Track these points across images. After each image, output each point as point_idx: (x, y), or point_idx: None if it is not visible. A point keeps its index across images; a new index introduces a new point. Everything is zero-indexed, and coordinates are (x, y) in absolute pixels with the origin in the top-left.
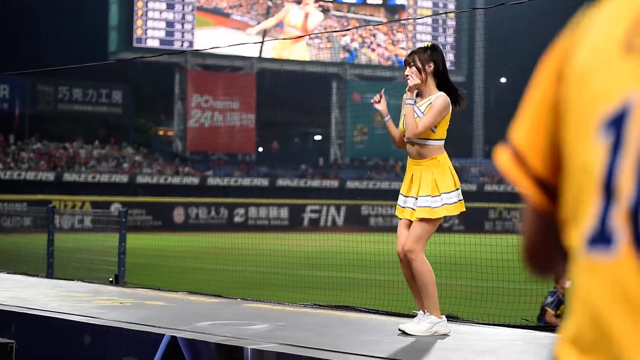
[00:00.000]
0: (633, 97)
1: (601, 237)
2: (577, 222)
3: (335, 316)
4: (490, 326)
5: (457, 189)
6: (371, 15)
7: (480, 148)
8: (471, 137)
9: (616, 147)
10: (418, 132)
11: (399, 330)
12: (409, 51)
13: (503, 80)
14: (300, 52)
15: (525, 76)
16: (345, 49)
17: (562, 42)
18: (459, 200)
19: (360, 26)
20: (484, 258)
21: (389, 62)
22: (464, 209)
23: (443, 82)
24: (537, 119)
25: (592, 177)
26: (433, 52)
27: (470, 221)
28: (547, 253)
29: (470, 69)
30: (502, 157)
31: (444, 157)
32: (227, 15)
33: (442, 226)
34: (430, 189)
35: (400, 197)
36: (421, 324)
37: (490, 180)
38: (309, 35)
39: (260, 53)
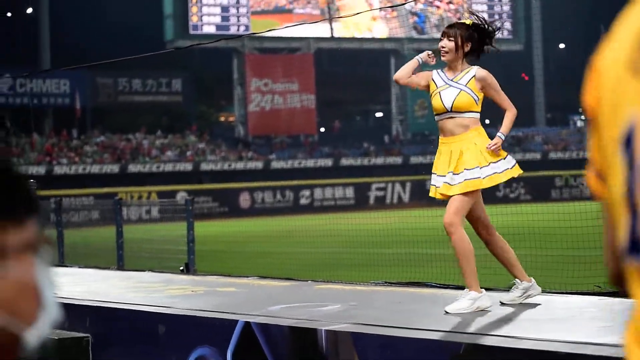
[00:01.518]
0: (636, 118)
1: (633, 247)
2: (617, 231)
3: (407, 293)
4: (563, 295)
5: (503, 158)
6: None
7: (542, 116)
8: (533, 105)
9: (631, 167)
10: (514, 110)
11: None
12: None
13: (562, 46)
14: (370, 26)
15: (583, 41)
16: (412, 12)
17: (597, 57)
18: (513, 166)
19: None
20: (553, 227)
21: (457, 15)
22: (517, 173)
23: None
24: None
25: (618, 193)
26: (473, 33)
27: (537, 190)
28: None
29: (528, 37)
30: (590, 180)
31: (482, 129)
32: (290, 11)
33: (509, 197)
34: (478, 161)
35: (436, 178)
36: (461, 302)
37: (554, 147)
38: (372, 10)
39: (332, 32)
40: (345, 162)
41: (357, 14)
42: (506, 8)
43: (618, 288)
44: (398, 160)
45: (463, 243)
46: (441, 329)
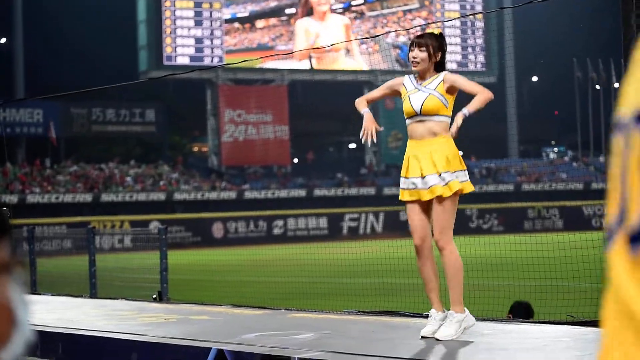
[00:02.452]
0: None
1: (620, 218)
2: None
3: (380, 322)
4: (536, 324)
5: (464, 170)
6: (405, 4)
7: (515, 147)
8: (506, 137)
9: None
10: (488, 94)
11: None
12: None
13: (535, 78)
14: (346, 63)
15: (556, 73)
16: (394, 45)
17: None
18: (465, 181)
19: (387, 31)
20: (526, 257)
21: None
22: (470, 190)
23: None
24: None
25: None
26: (443, 42)
27: (510, 221)
28: None
29: (501, 69)
30: None
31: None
32: (272, 48)
33: (482, 228)
34: (447, 166)
35: (411, 180)
36: (450, 327)
37: (527, 179)
38: (350, 41)
39: (311, 64)
40: (318, 192)
41: (333, 44)
42: (479, 41)
43: None
44: (371, 191)
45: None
46: (414, 358)
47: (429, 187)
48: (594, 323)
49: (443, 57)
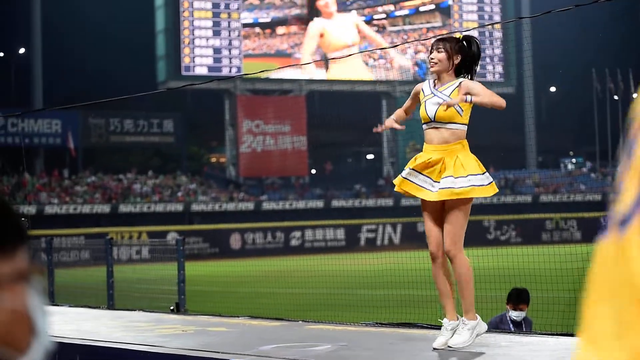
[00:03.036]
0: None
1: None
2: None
3: (397, 333)
4: (554, 336)
5: (484, 172)
6: (428, 22)
7: (533, 158)
8: (524, 148)
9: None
10: (500, 101)
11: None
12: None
13: (553, 89)
14: (360, 72)
15: (575, 83)
16: (413, 63)
17: None
18: (490, 182)
19: (399, 43)
20: (544, 269)
21: None
22: (497, 190)
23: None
24: None
25: None
26: (463, 46)
27: (528, 233)
28: None
29: (519, 79)
30: None
31: (466, 143)
32: (290, 55)
33: (500, 239)
34: (454, 171)
35: (419, 176)
36: (463, 334)
37: (545, 190)
38: (368, 51)
39: (327, 65)
40: (336, 203)
41: (351, 55)
42: (498, 51)
43: None
44: (389, 202)
45: (463, 268)
46: None
47: (437, 190)
48: None
49: (470, 63)
